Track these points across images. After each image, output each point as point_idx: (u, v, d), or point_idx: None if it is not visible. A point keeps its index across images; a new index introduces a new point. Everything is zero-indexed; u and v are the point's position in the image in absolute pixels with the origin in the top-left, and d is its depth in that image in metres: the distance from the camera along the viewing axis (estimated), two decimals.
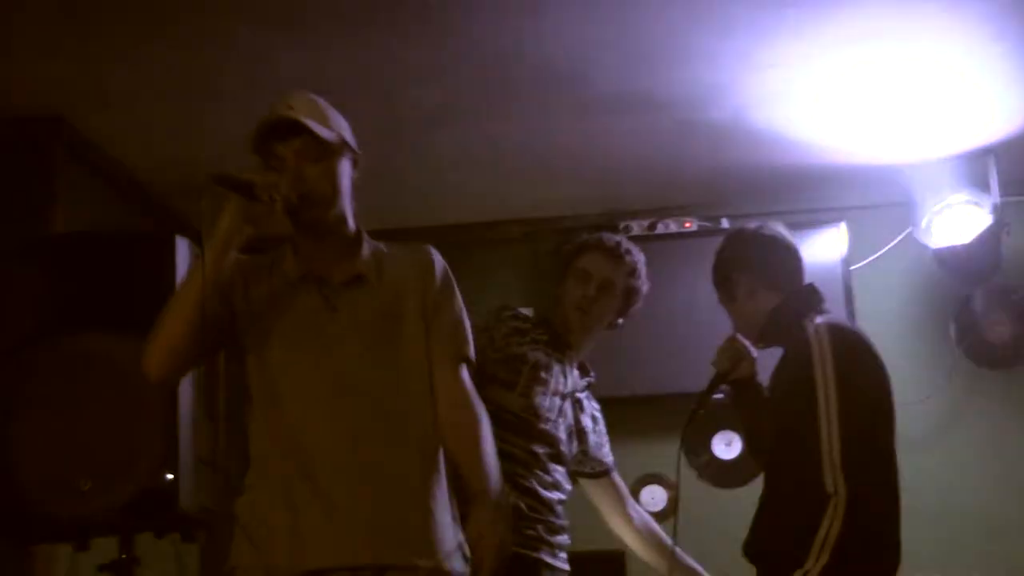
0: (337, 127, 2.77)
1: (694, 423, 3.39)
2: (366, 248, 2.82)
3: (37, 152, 4.37)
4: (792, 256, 3.35)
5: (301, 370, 2.69)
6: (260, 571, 2.63)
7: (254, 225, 2.62)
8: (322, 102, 2.78)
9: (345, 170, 2.76)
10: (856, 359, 3.09)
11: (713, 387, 3.34)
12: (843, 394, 2.97)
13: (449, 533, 2.71)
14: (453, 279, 2.90)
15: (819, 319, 3.14)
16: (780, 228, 3.40)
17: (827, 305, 3.29)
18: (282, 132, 2.69)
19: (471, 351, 2.87)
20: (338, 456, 2.63)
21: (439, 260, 2.89)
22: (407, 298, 2.79)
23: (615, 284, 3.57)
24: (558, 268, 3.67)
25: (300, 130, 2.68)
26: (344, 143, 2.77)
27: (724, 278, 3.38)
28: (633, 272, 3.61)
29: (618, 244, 3.61)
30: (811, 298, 3.29)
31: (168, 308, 2.66)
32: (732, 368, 3.30)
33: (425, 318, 2.80)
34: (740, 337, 3.30)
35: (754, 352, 3.29)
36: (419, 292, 2.81)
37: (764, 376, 3.27)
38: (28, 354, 3.27)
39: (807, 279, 3.35)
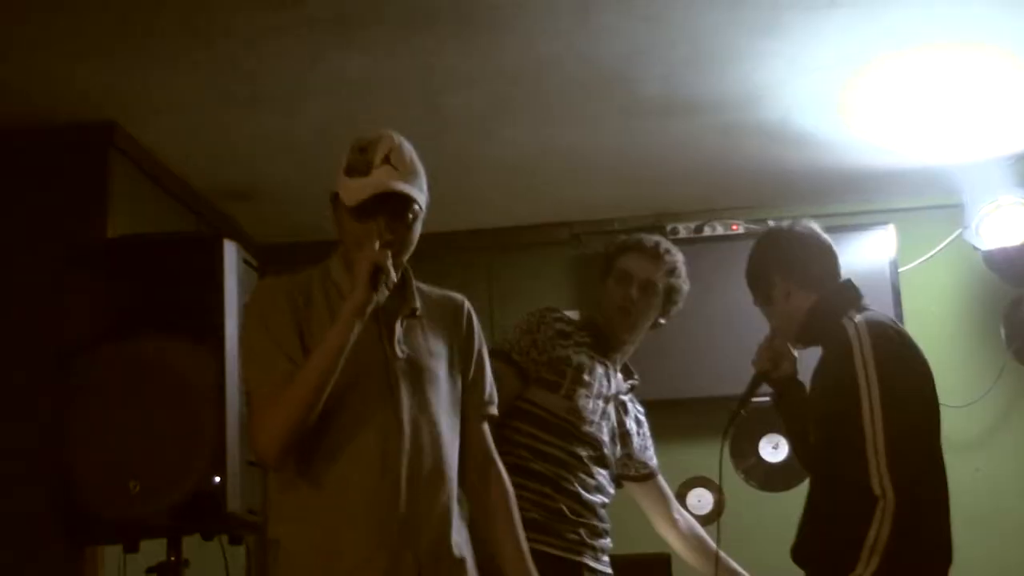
0: (424, 184, 2.74)
1: (737, 424, 3.39)
2: (413, 284, 2.82)
3: (90, 157, 4.43)
4: (826, 253, 3.31)
5: (359, 412, 2.66)
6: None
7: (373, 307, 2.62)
8: (414, 155, 2.73)
9: (420, 226, 2.76)
10: (898, 356, 3.06)
11: (754, 387, 3.34)
12: (886, 393, 2.94)
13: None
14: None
15: (858, 317, 3.10)
16: (813, 225, 3.35)
17: (866, 301, 3.24)
18: (386, 198, 2.64)
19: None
20: (382, 508, 2.64)
21: (472, 311, 2.92)
22: (446, 342, 2.82)
23: (656, 284, 3.57)
24: (599, 270, 3.67)
25: (398, 195, 2.65)
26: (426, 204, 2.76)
27: (758, 280, 3.34)
28: (673, 271, 3.60)
29: (657, 244, 3.61)
30: (849, 295, 3.24)
31: (287, 395, 2.58)
32: (773, 368, 3.29)
33: (462, 367, 2.84)
34: (780, 336, 3.28)
35: (794, 351, 3.28)
36: (457, 339, 2.84)
37: (805, 376, 3.24)
38: (82, 358, 3.30)
39: (854, 279, 3.30)
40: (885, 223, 5.44)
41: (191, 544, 3.32)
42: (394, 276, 2.62)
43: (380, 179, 2.63)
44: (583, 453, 3.48)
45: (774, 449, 5.27)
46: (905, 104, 4.56)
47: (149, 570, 3.27)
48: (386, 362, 2.68)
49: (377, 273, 2.57)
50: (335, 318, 2.61)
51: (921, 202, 5.46)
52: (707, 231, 5.47)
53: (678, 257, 3.63)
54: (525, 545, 2.85)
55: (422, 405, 2.70)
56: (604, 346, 3.59)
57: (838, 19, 3.89)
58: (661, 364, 4.81)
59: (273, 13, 3.74)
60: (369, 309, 2.58)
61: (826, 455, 3.10)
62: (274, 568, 2.71)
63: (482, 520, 2.84)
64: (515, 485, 3.05)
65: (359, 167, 2.66)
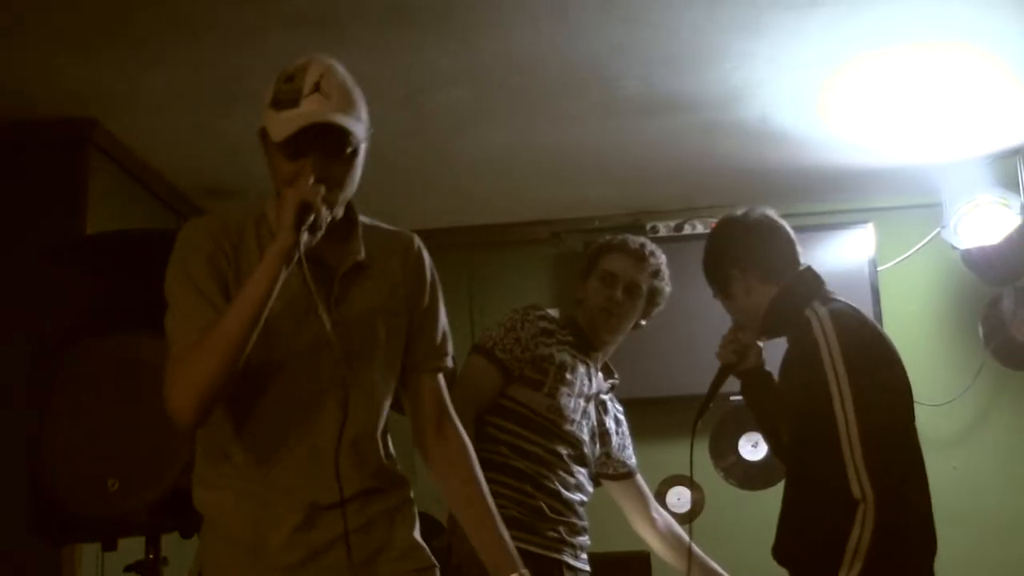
0: (363, 113, 2.46)
1: (717, 422, 3.38)
2: (360, 229, 2.52)
3: (71, 154, 4.42)
4: (784, 242, 3.23)
5: (289, 378, 2.40)
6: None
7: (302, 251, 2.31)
8: (348, 79, 2.45)
9: (361, 161, 2.46)
10: (865, 349, 3.00)
11: (719, 380, 3.30)
12: (857, 390, 2.90)
13: None
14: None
15: (821, 308, 3.04)
16: (768, 212, 3.28)
17: (827, 287, 3.18)
18: (317, 132, 2.34)
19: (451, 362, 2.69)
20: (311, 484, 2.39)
21: (427, 254, 2.63)
22: (397, 290, 2.53)
23: (640, 286, 3.57)
24: (581, 269, 3.67)
25: (332, 127, 2.35)
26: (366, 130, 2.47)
27: (716, 275, 3.29)
28: (657, 273, 3.61)
29: (642, 246, 3.61)
30: (809, 284, 3.17)
31: (203, 346, 2.28)
32: (738, 360, 3.25)
33: (411, 315, 2.55)
34: (743, 328, 3.25)
35: (760, 343, 3.24)
36: (408, 286, 2.55)
37: (774, 365, 3.20)
38: (59, 355, 3.29)
39: (832, 278, 3.23)
40: (864, 222, 5.47)
41: (170, 542, 3.31)
42: (325, 215, 2.31)
43: (310, 109, 2.33)
44: (563, 451, 3.48)
45: (753, 448, 5.28)
46: (884, 103, 4.57)
47: (127, 568, 3.26)
48: (319, 322, 2.34)
49: (304, 212, 2.26)
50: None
51: (900, 201, 5.48)
52: (687, 229, 5.49)
53: (662, 259, 3.64)
54: (489, 500, 2.57)
55: (358, 368, 2.42)
56: (586, 345, 3.60)
57: (818, 18, 3.90)
58: (641, 363, 4.82)
59: (255, 11, 3.73)
60: (296, 254, 2.27)
61: (801, 455, 3.08)
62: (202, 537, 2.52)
63: (440, 478, 2.59)
64: (495, 482, 3.04)
65: (286, 98, 2.36)
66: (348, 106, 2.40)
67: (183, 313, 2.38)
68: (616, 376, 3.73)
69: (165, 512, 3.15)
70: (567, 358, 3.53)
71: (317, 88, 2.36)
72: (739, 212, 3.33)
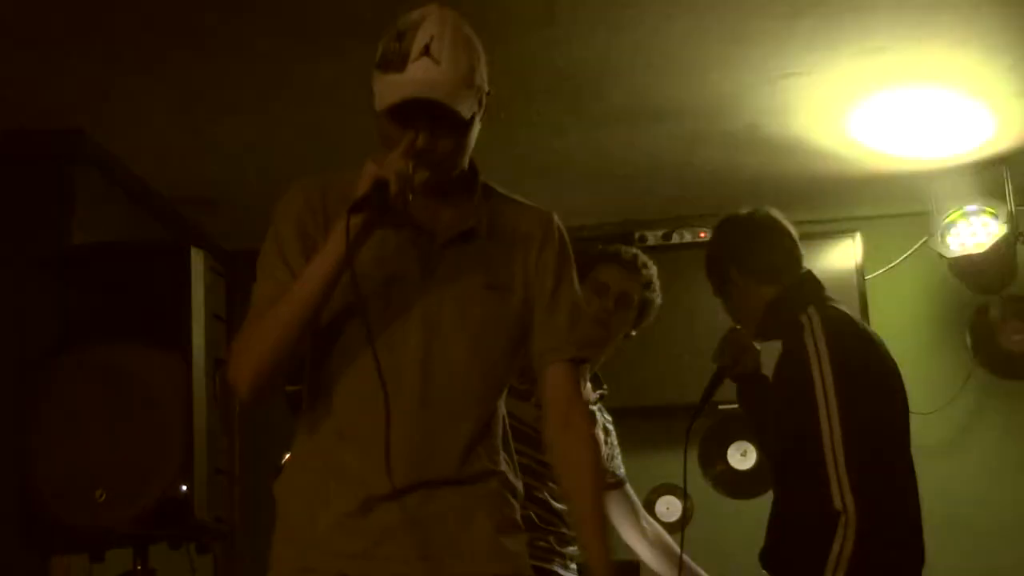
0: (477, 77, 2.26)
1: (706, 431, 3.37)
2: (480, 194, 2.38)
3: (57, 165, 4.40)
4: (786, 243, 3.24)
5: (367, 358, 2.18)
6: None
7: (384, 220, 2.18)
8: (463, 38, 2.23)
9: (477, 127, 2.30)
10: (855, 357, 3.00)
11: (716, 382, 3.28)
12: (843, 399, 2.89)
13: None
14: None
15: (816, 313, 3.03)
16: (774, 213, 3.28)
17: (828, 293, 3.18)
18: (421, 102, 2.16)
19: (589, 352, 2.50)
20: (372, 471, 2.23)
21: (566, 235, 2.45)
22: (517, 267, 2.36)
23: (632, 297, 3.57)
24: (582, 262, 3.64)
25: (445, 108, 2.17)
26: (483, 92, 2.29)
27: (716, 272, 3.29)
28: (649, 284, 3.60)
29: (635, 257, 3.61)
30: (809, 288, 3.18)
31: (262, 324, 2.21)
32: (734, 362, 3.23)
33: (536, 297, 2.37)
34: (740, 330, 3.24)
35: (757, 345, 3.22)
36: (535, 265, 2.37)
37: (770, 370, 3.19)
38: (47, 366, 3.28)
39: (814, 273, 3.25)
40: (852, 231, 5.47)
41: (158, 553, 3.30)
42: (402, 197, 2.13)
43: (414, 77, 2.15)
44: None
45: (742, 456, 5.28)
46: (870, 112, 4.58)
47: None
48: (415, 293, 2.24)
49: (379, 189, 2.12)
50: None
51: (887, 210, 5.48)
52: (675, 238, 5.48)
53: (654, 271, 3.64)
54: (601, 508, 2.42)
55: (437, 348, 2.26)
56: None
57: (803, 27, 3.91)
58: (629, 372, 4.80)
59: (241, 20, 3.73)
60: (365, 233, 2.15)
61: (787, 462, 3.07)
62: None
63: (561, 474, 2.44)
64: None
65: (394, 59, 2.18)
66: (459, 73, 2.19)
67: (263, 274, 2.30)
68: (604, 386, 3.72)
69: (153, 523, 3.15)
70: None
71: (427, 51, 2.16)
72: (743, 212, 3.32)
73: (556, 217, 2.46)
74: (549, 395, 2.41)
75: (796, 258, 3.24)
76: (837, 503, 2.84)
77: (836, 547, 2.84)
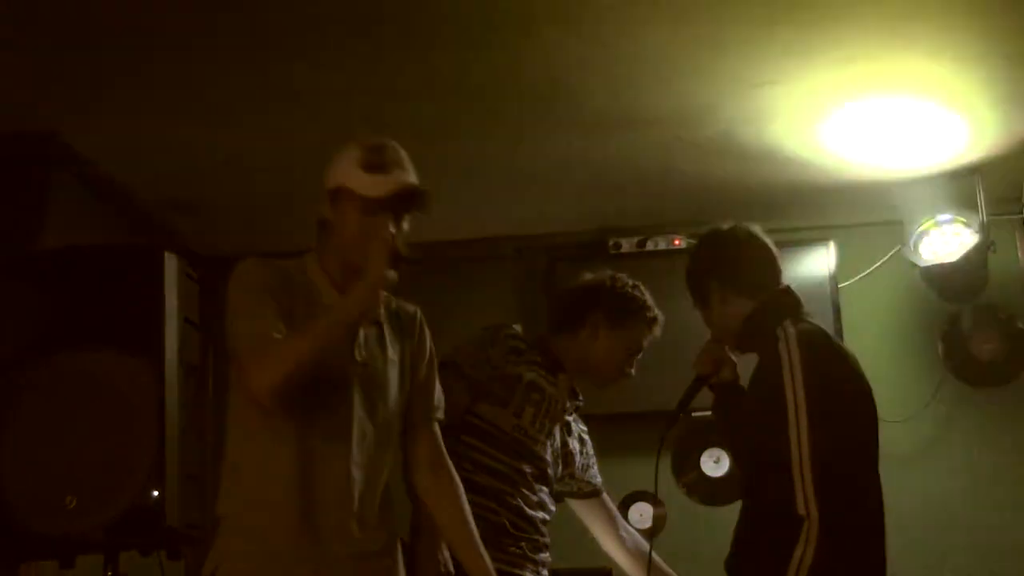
0: None
1: (679, 438, 3.38)
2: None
3: (28, 167, 4.37)
4: (766, 258, 3.26)
5: (313, 411, 2.76)
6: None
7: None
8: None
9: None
10: (827, 370, 3.02)
11: (694, 390, 3.31)
12: (813, 410, 2.92)
13: None
14: None
15: (791, 327, 3.06)
16: (754, 228, 3.31)
17: (806, 310, 3.21)
18: (404, 198, 2.81)
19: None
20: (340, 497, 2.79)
21: (424, 322, 3.05)
22: (400, 350, 2.95)
23: None
24: (611, 308, 3.60)
25: (414, 200, 2.83)
26: None
27: (696, 284, 3.31)
28: None
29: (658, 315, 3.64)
30: (786, 303, 3.21)
31: (305, 339, 2.68)
32: (713, 371, 3.26)
33: (413, 375, 2.97)
34: (720, 341, 3.27)
35: (734, 357, 3.26)
36: (411, 348, 2.98)
37: (746, 382, 3.21)
38: (15, 371, 3.26)
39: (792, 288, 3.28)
40: (825, 239, 5.49)
41: (129, 560, 3.28)
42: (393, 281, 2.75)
43: (401, 178, 2.82)
44: (527, 469, 3.48)
45: (715, 463, 5.29)
46: (845, 121, 4.60)
47: None
48: (346, 365, 2.79)
49: (392, 258, 2.71)
50: (317, 312, 2.74)
51: (860, 219, 5.51)
52: (650, 246, 5.49)
53: None
54: (479, 544, 3.00)
55: (372, 412, 2.83)
56: (554, 367, 3.60)
57: (779, 35, 3.92)
58: None
59: (216, 23, 3.71)
60: (384, 290, 2.76)
61: (755, 469, 3.10)
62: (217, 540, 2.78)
63: (433, 506, 3.03)
64: None
65: (377, 164, 2.81)
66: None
67: (253, 317, 2.72)
68: (580, 398, 3.72)
69: (124, 530, 3.13)
70: (535, 378, 3.53)
71: (398, 163, 2.85)
72: (725, 225, 3.35)
73: (419, 311, 3.06)
74: (421, 449, 3.01)
75: (775, 273, 3.27)
76: (801, 508, 2.88)
77: (798, 553, 2.87)
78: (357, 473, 2.78)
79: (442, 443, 3.05)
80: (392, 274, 2.71)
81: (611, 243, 5.49)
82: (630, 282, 3.64)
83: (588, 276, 3.71)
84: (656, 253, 5.43)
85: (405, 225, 2.82)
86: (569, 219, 5.49)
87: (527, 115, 4.48)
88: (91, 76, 4.00)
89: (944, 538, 5.19)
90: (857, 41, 3.98)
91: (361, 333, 2.83)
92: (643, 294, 3.62)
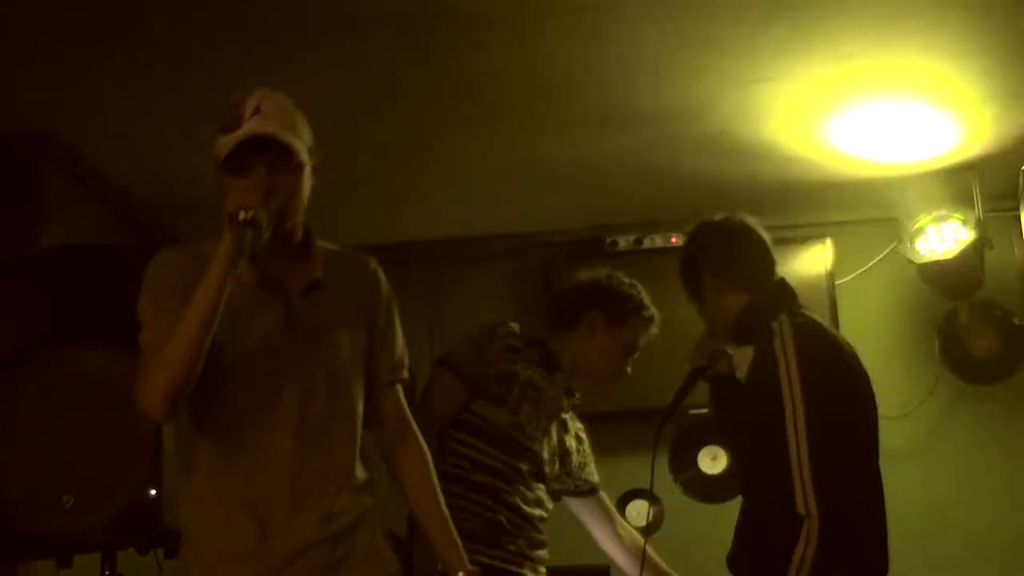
0: (306, 133, 2.67)
1: (676, 434, 3.38)
2: (316, 250, 2.72)
3: (25, 167, 4.37)
4: (759, 251, 3.25)
5: (251, 394, 2.61)
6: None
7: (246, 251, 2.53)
8: (288, 103, 2.66)
9: (308, 179, 2.66)
10: (823, 364, 3.01)
11: (689, 384, 3.30)
12: (810, 404, 2.91)
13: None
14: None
15: (786, 320, 3.05)
16: (748, 220, 3.29)
17: (800, 301, 3.20)
18: (256, 144, 2.55)
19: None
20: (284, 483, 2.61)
21: (383, 275, 2.83)
22: (352, 308, 2.74)
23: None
24: (610, 308, 3.59)
25: (274, 142, 2.55)
26: (311, 150, 2.67)
27: (689, 277, 3.30)
28: None
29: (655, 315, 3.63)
30: (781, 295, 3.20)
31: (166, 350, 2.50)
32: (709, 364, 3.25)
33: (370, 331, 2.75)
34: (716, 334, 3.26)
35: (730, 350, 3.25)
36: (365, 303, 2.76)
37: (743, 375, 3.21)
38: (13, 370, 3.26)
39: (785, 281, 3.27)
40: (822, 236, 5.49)
41: (126, 558, 3.28)
42: (262, 218, 2.49)
43: (251, 128, 2.55)
44: (524, 467, 3.48)
45: (712, 461, 5.29)
46: (841, 118, 4.60)
47: None
48: (283, 340, 2.61)
49: (237, 214, 2.47)
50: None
51: (857, 215, 5.51)
52: (647, 243, 5.49)
53: None
54: (444, 508, 2.80)
55: (313, 385, 2.62)
56: (551, 365, 3.60)
57: (774, 32, 3.92)
58: None
59: (215, 23, 3.72)
60: (241, 254, 2.49)
61: (754, 466, 3.10)
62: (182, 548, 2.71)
63: (403, 487, 2.80)
64: (456, 495, 3.09)
65: (231, 122, 2.57)
66: (288, 125, 2.60)
67: (152, 327, 2.59)
68: (577, 396, 3.72)
69: (121, 529, 3.13)
70: (531, 376, 3.53)
71: (257, 111, 2.57)
72: (718, 218, 3.33)
73: (373, 260, 2.83)
74: (385, 416, 2.79)
75: (769, 265, 3.25)
76: (801, 507, 2.86)
77: (799, 551, 2.86)
78: (302, 456, 2.58)
79: (405, 407, 2.82)
80: (251, 232, 2.47)
81: (608, 241, 5.49)
82: (627, 281, 3.64)
83: (585, 274, 3.71)
84: (653, 251, 5.43)
85: (289, 176, 2.57)
86: (565, 217, 5.49)
87: (523, 113, 4.48)
88: (90, 76, 4.00)
89: (940, 536, 5.19)
90: (852, 38, 3.98)
91: (297, 302, 2.63)
92: (640, 293, 3.62)
